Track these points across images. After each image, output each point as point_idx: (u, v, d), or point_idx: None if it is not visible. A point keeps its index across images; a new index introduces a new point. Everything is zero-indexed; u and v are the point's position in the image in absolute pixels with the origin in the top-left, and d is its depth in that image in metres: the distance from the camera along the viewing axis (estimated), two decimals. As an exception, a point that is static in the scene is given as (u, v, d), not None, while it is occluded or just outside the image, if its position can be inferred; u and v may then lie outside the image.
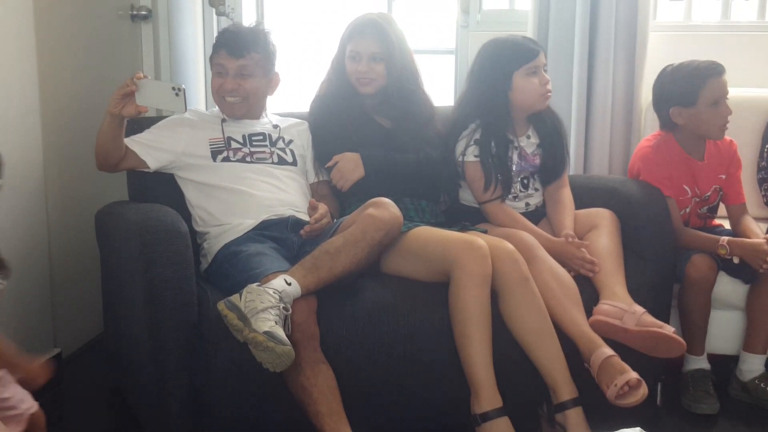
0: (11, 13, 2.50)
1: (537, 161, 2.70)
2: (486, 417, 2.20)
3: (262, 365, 2.02)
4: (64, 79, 2.82)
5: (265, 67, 2.60)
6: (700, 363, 2.66)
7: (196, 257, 2.37)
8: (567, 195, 2.70)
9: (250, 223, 2.44)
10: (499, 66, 2.59)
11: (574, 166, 3.12)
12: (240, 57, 2.54)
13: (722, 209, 2.86)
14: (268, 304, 2.03)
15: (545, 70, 2.62)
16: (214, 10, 3.45)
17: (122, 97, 2.32)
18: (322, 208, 2.43)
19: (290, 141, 2.67)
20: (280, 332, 2.00)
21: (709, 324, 2.66)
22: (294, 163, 2.63)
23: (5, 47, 2.48)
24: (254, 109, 2.64)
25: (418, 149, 2.65)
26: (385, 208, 2.30)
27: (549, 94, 2.63)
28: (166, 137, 2.55)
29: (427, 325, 2.27)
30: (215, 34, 3.10)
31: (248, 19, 3.60)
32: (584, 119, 3.17)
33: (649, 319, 2.33)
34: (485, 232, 2.49)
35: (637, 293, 2.42)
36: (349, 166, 2.60)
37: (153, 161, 2.52)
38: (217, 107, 2.66)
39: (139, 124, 2.57)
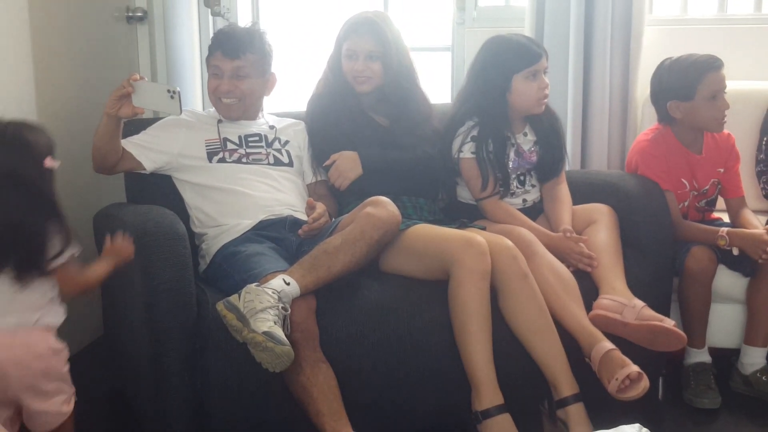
0: (7, 15, 2.49)
1: (534, 158, 2.69)
2: (487, 414, 2.20)
3: (261, 365, 2.02)
4: (61, 81, 2.81)
5: (261, 68, 2.59)
6: (701, 356, 2.66)
7: (194, 258, 2.36)
8: (564, 191, 2.70)
9: (248, 223, 2.43)
10: (500, 66, 2.58)
11: (571, 161, 3.11)
12: (236, 58, 2.54)
13: (721, 202, 2.86)
14: (267, 304, 2.03)
15: (545, 73, 2.61)
16: (209, 10, 3.45)
17: (119, 99, 2.32)
18: (320, 207, 2.43)
19: (286, 142, 2.66)
20: (279, 332, 2.00)
21: (710, 318, 2.66)
22: (290, 164, 2.63)
23: (1, 49, 2.47)
24: (250, 110, 2.64)
25: (416, 147, 2.65)
26: (384, 207, 2.30)
27: (546, 99, 2.62)
28: (162, 138, 2.54)
29: (427, 323, 2.27)
30: (211, 34, 3.10)
31: (244, 20, 3.59)
32: (581, 114, 3.17)
33: (649, 312, 2.33)
34: (484, 229, 2.48)
35: (636, 287, 2.42)
36: (347, 165, 2.60)
37: (149, 162, 2.52)
38: (213, 108, 2.66)
39: (136, 125, 2.57)
